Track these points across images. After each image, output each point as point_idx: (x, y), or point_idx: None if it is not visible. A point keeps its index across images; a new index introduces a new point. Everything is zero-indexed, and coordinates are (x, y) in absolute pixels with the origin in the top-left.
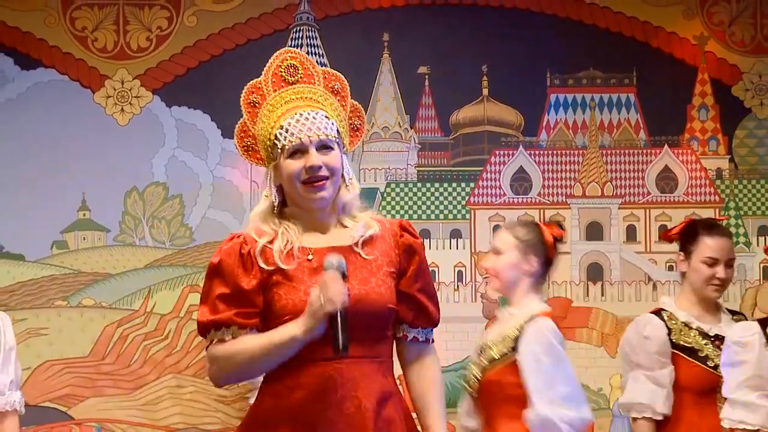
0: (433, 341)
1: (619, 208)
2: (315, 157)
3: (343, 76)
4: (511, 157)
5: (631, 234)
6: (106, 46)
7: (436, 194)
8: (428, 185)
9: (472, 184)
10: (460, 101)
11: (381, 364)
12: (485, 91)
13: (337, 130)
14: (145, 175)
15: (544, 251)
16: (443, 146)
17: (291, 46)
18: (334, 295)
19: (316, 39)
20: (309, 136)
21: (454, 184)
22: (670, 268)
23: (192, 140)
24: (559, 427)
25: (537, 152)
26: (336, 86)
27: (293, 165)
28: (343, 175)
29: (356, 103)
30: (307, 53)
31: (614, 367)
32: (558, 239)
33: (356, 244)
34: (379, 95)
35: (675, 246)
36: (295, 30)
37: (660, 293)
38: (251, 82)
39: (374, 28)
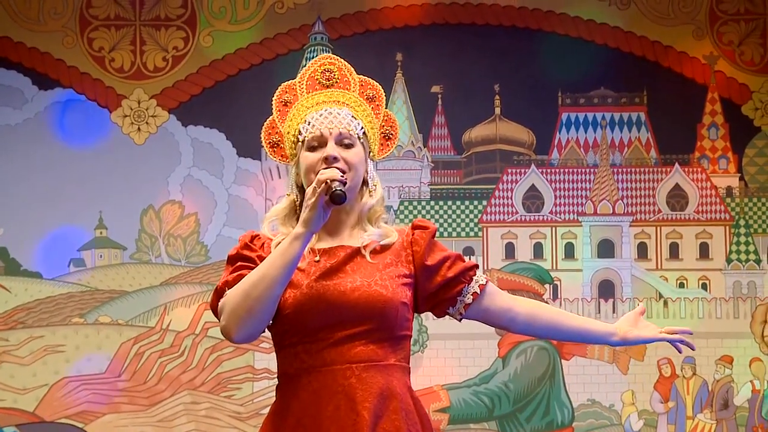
0: (487, 281)
1: (630, 226)
2: (332, 149)
3: (380, 86)
4: (523, 175)
5: (642, 251)
6: (123, 67)
7: (449, 212)
8: (441, 203)
9: (484, 202)
10: (472, 120)
11: (385, 369)
12: (497, 110)
13: (364, 133)
14: (162, 193)
15: None
16: (456, 164)
17: (305, 66)
18: (327, 171)
19: None
20: (329, 129)
21: (467, 202)
22: (681, 285)
23: (208, 159)
24: None
25: (549, 170)
26: (371, 94)
27: (311, 157)
28: (366, 181)
29: (390, 112)
30: None
31: (626, 383)
32: None
33: (365, 247)
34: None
35: (685, 263)
36: (309, 50)
37: (670, 310)
38: (285, 82)
39: (388, 47)
